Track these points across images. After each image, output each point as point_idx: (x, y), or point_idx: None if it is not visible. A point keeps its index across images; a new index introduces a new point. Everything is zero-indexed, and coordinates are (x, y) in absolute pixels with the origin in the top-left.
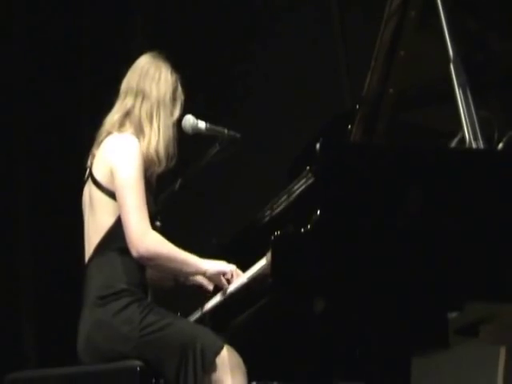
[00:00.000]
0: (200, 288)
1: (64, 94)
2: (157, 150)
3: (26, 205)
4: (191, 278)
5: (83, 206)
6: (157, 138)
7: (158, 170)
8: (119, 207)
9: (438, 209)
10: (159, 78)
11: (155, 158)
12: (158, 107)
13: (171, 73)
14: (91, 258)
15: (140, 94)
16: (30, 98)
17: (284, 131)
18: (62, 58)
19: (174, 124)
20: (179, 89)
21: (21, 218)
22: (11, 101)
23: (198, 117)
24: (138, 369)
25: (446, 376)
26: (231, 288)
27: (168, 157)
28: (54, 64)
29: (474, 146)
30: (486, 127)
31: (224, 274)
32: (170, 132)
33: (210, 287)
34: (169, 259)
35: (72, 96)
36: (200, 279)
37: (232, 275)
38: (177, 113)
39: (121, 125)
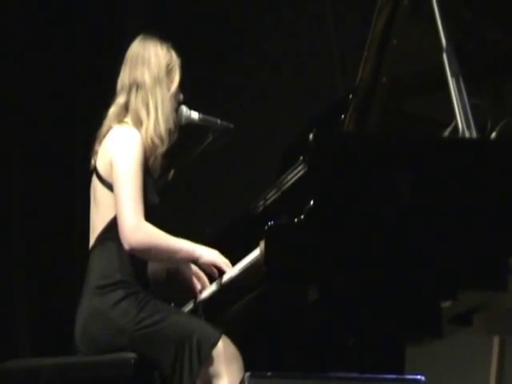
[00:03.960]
0: (188, 286)
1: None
2: (158, 133)
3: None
4: (182, 272)
5: (91, 197)
6: (155, 121)
7: (162, 149)
8: (115, 199)
9: (432, 198)
10: (149, 59)
11: (158, 142)
12: (154, 88)
13: (161, 45)
14: (93, 248)
15: (133, 85)
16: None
17: (279, 120)
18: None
19: (172, 96)
20: (173, 57)
21: (15, 207)
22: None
23: (190, 107)
24: (132, 361)
25: (439, 365)
26: (225, 278)
27: (170, 133)
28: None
29: (467, 135)
30: (479, 116)
31: (216, 265)
32: (169, 107)
33: (198, 286)
34: (161, 250)
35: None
36: (188, 275)
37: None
38: (175, 81)
39: (120, 118)
